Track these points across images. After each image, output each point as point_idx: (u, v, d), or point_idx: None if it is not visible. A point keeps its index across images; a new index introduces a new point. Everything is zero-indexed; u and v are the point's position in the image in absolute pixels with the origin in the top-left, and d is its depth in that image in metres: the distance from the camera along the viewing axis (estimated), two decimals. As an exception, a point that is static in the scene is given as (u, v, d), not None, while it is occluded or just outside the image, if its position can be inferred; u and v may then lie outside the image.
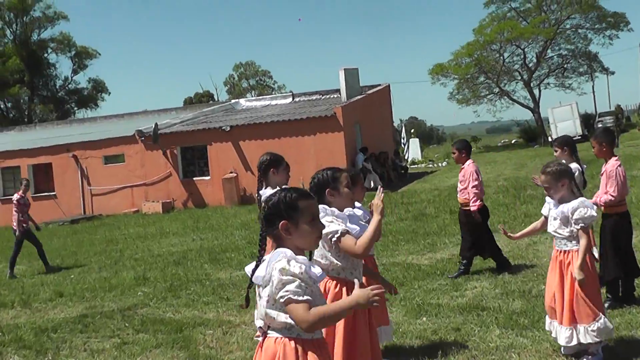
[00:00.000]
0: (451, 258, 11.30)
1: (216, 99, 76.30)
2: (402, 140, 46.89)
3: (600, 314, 6.00)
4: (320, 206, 4.52)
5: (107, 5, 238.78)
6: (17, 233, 15.95)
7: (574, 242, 6.07)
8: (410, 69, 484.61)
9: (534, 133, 56.05)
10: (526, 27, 54.91)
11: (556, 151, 9.02)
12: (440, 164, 40.88)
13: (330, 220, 4.83)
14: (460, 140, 10.90)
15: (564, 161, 7.20)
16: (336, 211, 5.04)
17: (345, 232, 4.80)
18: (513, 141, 62.56)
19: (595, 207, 6.28)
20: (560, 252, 6.18)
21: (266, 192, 7.13)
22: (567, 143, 8.98)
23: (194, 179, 29.84)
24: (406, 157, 44.74)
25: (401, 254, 12.46)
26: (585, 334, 5.93)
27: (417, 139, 48.01)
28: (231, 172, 28.50)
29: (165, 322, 8.92)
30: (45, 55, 70.58)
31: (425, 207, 19.26)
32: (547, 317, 6.35)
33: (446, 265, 10.80)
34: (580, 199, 6.09)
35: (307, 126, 27.98)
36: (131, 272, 13.58)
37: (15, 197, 16.21)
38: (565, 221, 6.08)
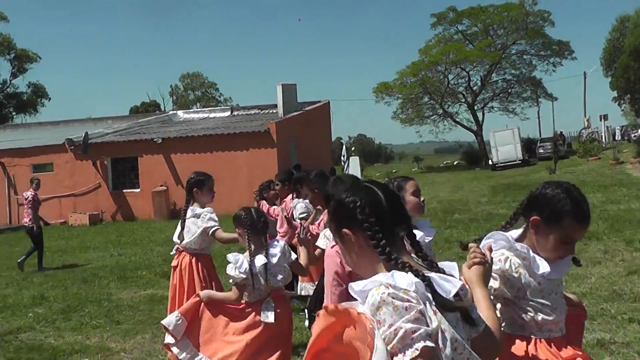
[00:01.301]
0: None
1: (163, 109, 75.34)
2: (342, 158, 46.57)
3: None
4: None
5: (51, 9, 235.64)
6: (35, 229, 16.41)
7: None
8: (357, 87, 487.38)
9: (476, 155, 56.43)
10: (472, 50, 55.47)
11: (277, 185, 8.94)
12: (379, 183, 40.67)
13: None
14: (283, 172, 10.00)
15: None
16: None
17: None
18: (455, 163, 62.95)
19: None
20: None
21: (195, 209, 6.88)
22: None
23: (124, 191, 29.15)
24: (346, 176, 44.49)
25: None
26: None
27: (357, 157, 47.71)
28: (161, 186, 27.87)
29: (41, 349, 8.32)
30: (-16, 58, 68.81)
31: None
32: None
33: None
34: None
35: (240, 141, 27.54)
36: (32, 290, 12.89)
37: (29, 194, 16.73)
38: None
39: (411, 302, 2.06)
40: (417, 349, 2.02)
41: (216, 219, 6.82)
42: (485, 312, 2.56)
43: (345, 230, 2.32)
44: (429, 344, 2.03)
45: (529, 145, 54.68)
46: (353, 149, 55.12)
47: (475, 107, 58.71)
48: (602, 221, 15.26)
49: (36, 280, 14.50)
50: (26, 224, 16.68)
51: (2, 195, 30.91)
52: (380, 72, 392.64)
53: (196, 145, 28.00)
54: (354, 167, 45.54)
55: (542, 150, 50.58)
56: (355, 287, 2.20)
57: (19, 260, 16.33)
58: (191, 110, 44.69)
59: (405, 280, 2.14)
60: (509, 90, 61.34)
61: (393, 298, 2.06)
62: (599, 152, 43.36)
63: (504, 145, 47.18)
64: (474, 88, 59.19)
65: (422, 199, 4.77)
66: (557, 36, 63.35)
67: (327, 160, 36.23)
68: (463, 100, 59.72)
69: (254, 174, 25.28)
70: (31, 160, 30.68)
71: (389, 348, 2.03)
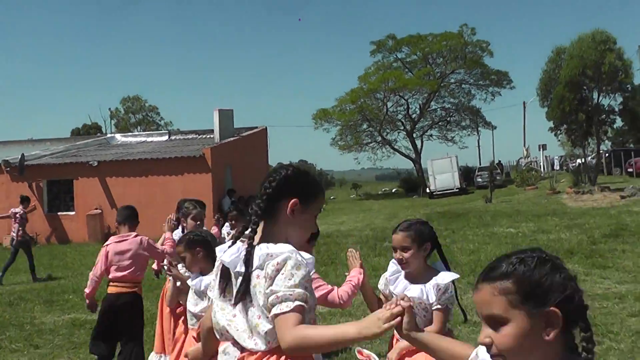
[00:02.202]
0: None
1: (104, 132, 74.99)
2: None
3: None
4: None
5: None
6: (14, 242, 18.23)
7: None
8: (297, 113, 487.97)
9: (414, 183, 57.01)
10: (411, 78, 56.07)
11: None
12: (316, 209, 41.12)
13: None
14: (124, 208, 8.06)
15: None
16: None
17: None
18: (394, 190, 63.55)
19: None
20: None
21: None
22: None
23: (59, 213, 29.21)
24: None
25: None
26: None
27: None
28: (96, 209, 28.02)
29: (-43, 372, 8.62)
30: None
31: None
32: None
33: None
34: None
35: (175, 166, 27.89)
36: (-45, 313, 13.06)
37: (18, 211, 18.41)
38: None
39: None
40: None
41: None
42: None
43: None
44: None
45: (467, 174, 55.41)
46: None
47: (414, 135, 59.23)
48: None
49: (-38, 303, 14.64)
50: (14, 239, 18.39)
51: None
52: (319, 99, 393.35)
53: (132, 169, 28.26)
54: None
55: (480, 179, 50.92)
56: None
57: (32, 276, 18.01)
58: (129, 134, 44.77)
59: None
60: (448, 119, 61.85)
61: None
62: (537, 181, 43.97)
63: (442, 174, 47.85)
64: (413, 116, 59.77)
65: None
66: (496, 66, 64.06)
67: (263, 186, 36.58)
68: (402, 127, 60.14)
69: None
70: (-34, 181, 30.54)
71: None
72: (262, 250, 2.82)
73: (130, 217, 7.60)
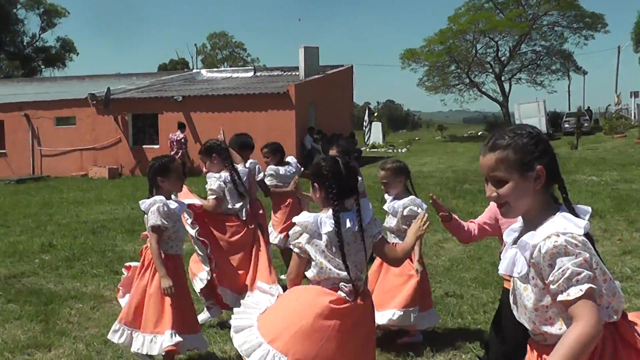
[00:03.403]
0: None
1: (191, 68, 75.63)
2: (365, 123, 46.66)
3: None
4: None
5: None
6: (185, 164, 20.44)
7: (398, 237, 6.39)
8: (384, 53, 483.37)
9: (500, 127, 55.92)
10: (501, 19, 54.74)
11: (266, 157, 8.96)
12: (400, 150, 40.72)
13: None
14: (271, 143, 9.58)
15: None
16: None
17: None
18: (479, 133, 62.59)
19: (425, 205, 6.35)
20: None
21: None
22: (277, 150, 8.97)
23: (143, 146, 29.49)
24: (367, 141, 44.55)
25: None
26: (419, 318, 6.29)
27: (380, 123, 47.74)
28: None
29: (40, 294, 8.65)
30: (14, 10, 69.24)
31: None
32: None
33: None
34: (411, 197, 6.40)
35: (259, 102, 27.71)
36: (42, 238, 13.24)
37: (181, 136, 20.87)
38: (395, 215, 6.37)
39: (581, 248, 2.54)
40: (581, 290, 2.48)
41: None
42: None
43: (538, 167, 2.70)
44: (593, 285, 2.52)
45: (554, 119, 54.15)
46: (375, 114, 55.16)
47: (503, 78, 58.14)
48: (609, 199, 15.26)
49: (49, 229, 14.86)
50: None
51: (26, 146, 31.42)
52: (407, 39, 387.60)
53: (215, 104, 28.21)
54: (375, 132, 45.67)
55: (567, 125, 49.72)
56: (528, 238, 2.67)
57: None
58: (214, 69, 44.82)
59: (574, 224, 2.63)
60: (538, 62, 60.48)
61: (565, 245, 2.53)
62: (626, 129, 42.76)
63: (529, 118, 46.76)
64: (502, 58, 58.57)
65: None
66: (591, 8, 62.05)
67: (346, 125, 36.29)
68: (490, 70, 59.11)
69: (272, 135, 25.37)
70: (54, 114, 31.11)
71: (554, 287, 2.52)
72: None
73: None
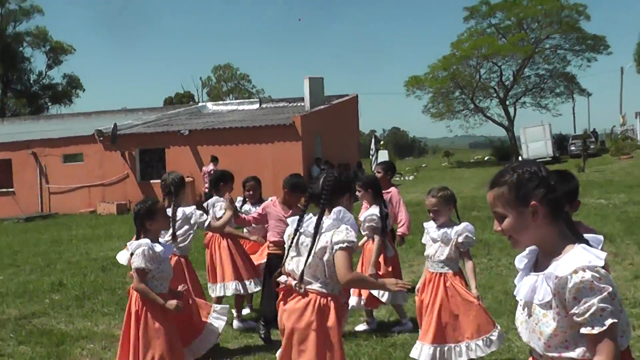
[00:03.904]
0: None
1: (197, 101, 75.98)
2: (371, 152, 46.61)
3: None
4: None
5: (84, 1, 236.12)
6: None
7: (447, 266, 6.27)
8: (388, 80, 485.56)
9: (506, 151, 56.08)
10: (504, 44, 54.97)
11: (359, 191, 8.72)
12: (407, 177, 40.72)
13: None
14: (384, 162, 10.34)
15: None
16: None
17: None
18: (486, 158, 62.56)
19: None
20: (435, 274, 6.31)
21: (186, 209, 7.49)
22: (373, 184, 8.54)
23: (151, 181, 29.48)
24: (374, 169, 44.48)
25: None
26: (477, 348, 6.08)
27: (386, 151, 47.74)
28: (188, 177, 28.11)
29: (51, 334, 8.64)
30: (20, 49, 69.87)
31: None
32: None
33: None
34: (464, 223, 6.31)
35: (266, 134, 27.77)
36: (52, 277, 13.24)
37: (210, 169, 21.46)
38: (447, 243, 6.25)
39: (604, 282, 2.58)
40: (605, 325, 2.55)
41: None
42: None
43: (532, 202, 2.75)
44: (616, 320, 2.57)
45: (560, 142, 54.11)
46: (382, 142, 55.18)
47: (507, 102, 58.23)
48: (619, 223, 15.18)
49: (59, 267, 14.86)
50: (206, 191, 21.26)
51: (34, 184, 31.51)
52: (411, 66, 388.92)
53: (222, 137, 28.29)
54: (382, 160, 45.60)
55: (573, 148, 49.85)
56: (554, 269, 2.71)
57: None
58: (220, 102, 44.99)
59: (595, 256, 2.66)
60: (542, 86, 60.58)
61: (591, 281, 2.57)
62: (632, 150, 42.71)
63: (535, 142, 46.89)
64: (506, 83, 58.68)
65: None
66: (593, 30, 62.24)
67: (353, 154, 36.36)
68: (495, 95, 59.22)
69: (279, 167, 25.49)
70: (62, 151, 31.25)
71: (579, 319, 2.59)
72: None
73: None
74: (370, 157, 46.35)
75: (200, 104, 42.38)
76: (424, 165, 58.09)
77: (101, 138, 30.13)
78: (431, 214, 6.41)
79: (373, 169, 44.54)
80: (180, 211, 7.32)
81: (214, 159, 22.10)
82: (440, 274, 6.25)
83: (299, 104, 34.85)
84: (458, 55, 55.19)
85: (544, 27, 57.09)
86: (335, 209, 4.55)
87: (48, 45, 69.75)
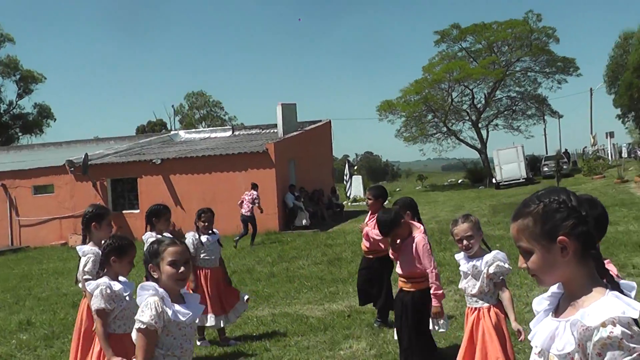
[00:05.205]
0: (344, 310, 10.87)
1: (169, 128, 75.50)
2: (345, 177, 46.56)
3: None
4: None
5: (55, 29, 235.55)
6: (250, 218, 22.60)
7: (482, 299, 5.92)
8: (361, 105, 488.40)
9: (480, 174, 56.18)
10: (475, 67, 55.17)
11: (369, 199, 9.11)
12: (382, 203, 40.50)
13: None
14: (376, 187, 10.05)
15: None
16: None
17: None
18: (460, 181, 62.67)
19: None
20: (471, 309, 6.00)
21: (84, 248, 6.55)
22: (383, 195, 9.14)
23: (124, 212, 29.15)
24: (348, 195, 44.38)
25: (299, 302, 12.01)
26: None
27: (360, 176, 47.69)
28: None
29: (17, 379, 8.31)
30: (-9, 78, 68.94)
31: (344, 250, 18.85)
32: None
33: (335, 319, 10.33)
34: (494, 252, 5.93)
35: (239, 161, 27.54)
36: (20, 315, 12.88)
37: (251, 195, 22.79)
38: (477, 278, 5.90)
39: (636, 341, 2.24)
40: None
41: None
42: None
43: (560, 237, 2.45)
44: None
45: (533, 164, 54.50)
46: (356, 167, 55.10)
47: (480, 125, 58.38)
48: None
49: (28, 304, 14.50)
50: (244, 214, 22.65)
51: (3, 216, 30.98)
52: (383, 90, 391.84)
53: (195, 166, 28.03)
54: (356, 185, 45.53)
55: (546, 169, 50.34)
56: (581, 317, 2.36)
57: (235, 239, 22.41)
58: (192, 130, 44.71)
59: (630, 306, 2.30)
60: (514, 108, 60.86)
61: (621, 339, 2.24)
62: (604, 170, 43.01)
63: (508, 164, 47.02)
64: (478, 106, 58.89)
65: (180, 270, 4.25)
66: (562, 52, 62.84)
67: (327, 180, 36.17)
68: (467, 118, 59.40)
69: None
70: (32, 182, 30.77)
71: None
72: None
73: None
74: (345, 182, 46.33)
75: (172, 132, 42.13)
76: (397, 189, 57.96)
77: (72, 168, 29.71)
78: (462, 244, 5.93)
79: (347, 194, 44.51)
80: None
81: (254, 186, 22.95)
82: (475, 308, 5.92)
83: (272, 131, 34.69)
84: (430, 79, 55.28)
85: (514, 50, 57.44)
86: None
87: (18, 74, 68.88)
